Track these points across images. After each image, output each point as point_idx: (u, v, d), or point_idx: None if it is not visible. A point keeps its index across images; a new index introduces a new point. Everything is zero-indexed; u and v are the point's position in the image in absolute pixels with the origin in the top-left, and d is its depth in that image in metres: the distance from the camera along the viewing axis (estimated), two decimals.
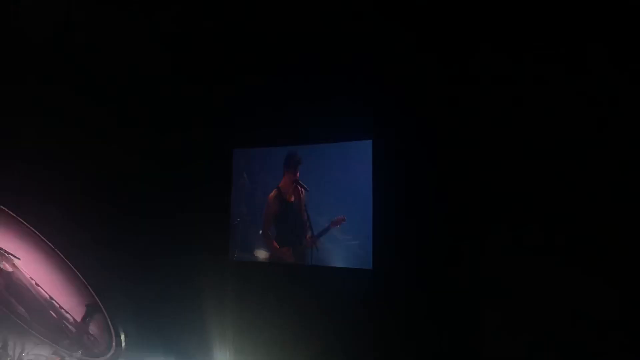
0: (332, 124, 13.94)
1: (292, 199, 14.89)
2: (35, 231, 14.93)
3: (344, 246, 13.89)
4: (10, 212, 14.76)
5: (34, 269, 15.72)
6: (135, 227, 15.99)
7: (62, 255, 15.04)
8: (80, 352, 15.89)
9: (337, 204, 14.10)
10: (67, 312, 15.68)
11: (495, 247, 11.70)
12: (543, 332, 11.11)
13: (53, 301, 15.66)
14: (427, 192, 12.60)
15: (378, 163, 13.39)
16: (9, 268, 15.84)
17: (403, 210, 12.84)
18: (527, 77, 11.35)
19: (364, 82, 13.22)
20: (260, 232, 15.17)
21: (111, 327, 15.20)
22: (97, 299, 15.07)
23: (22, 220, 14.84)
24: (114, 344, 15.23)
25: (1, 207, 14.79)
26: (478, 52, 11.85)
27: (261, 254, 15.10)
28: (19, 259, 15.47)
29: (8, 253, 15.48)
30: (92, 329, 15.66)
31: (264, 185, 15.36)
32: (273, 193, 15.25)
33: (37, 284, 15.66)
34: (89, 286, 15.00)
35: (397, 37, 12.59)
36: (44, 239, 14.98)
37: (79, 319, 15.67)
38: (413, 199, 12.78)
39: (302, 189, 14.69)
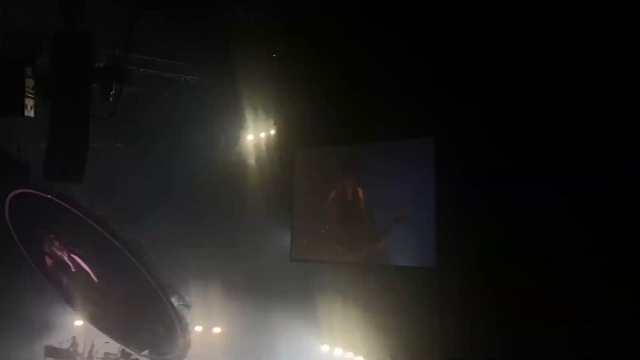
0: (393, 122, 14.01)
1: (352, 198, 15.09)
2: (105, 232, 15.36)
3: (407, 245, 14.02)
4: (79, 213, 15.24)
5: (103, 269, 16.26)
6: (199, 229, 16.69)
7: (130, 256, 15.45)
8: (147, 350, 16.43)
9: (399, 202, 14.23)
10: (136, 311, 16.20)
11: (564, 246, 11.58)
12: (614, 332, 11.00)
13: (123, 300, 16.18)
14: (491, 190, 12.53)
15: (440, 161, 13.41)
16: (76, 268, 16.44)
17: (467, 209, 12.82)
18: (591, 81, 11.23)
19: (425, 79, 13.19)
20: (323, 231, 15.44)
21: (177, 326, 15.60)
22: (164, 299, 15.48)
23: (91, 221, 15.31)
24: (180, 341, 15.64)
25: (71, 207, 15.26)
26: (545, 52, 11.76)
27: (323, 254, 15.39)
28: (90, 258, 16.04)
29: (80, 253, 16.05)
30: (159, 328, 16.12)
31: (325, 185, 15.60)
32: (333, 193, 15.51)
33: (107, 283, 16.23)
34: (157, 286, 15.41)
35: (461, 35, 12.55)
36: (113, 239, 15.40)
37: (146, 319, 16.17)
38: (477, 197, 12.73)
39: (362, 189, 14.89)
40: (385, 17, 13.00)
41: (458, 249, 13.03)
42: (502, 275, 12.29)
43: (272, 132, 16.46)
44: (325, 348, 15.56)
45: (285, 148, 16.18)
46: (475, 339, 12.50)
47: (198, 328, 16.88)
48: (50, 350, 16.40)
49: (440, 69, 12.99)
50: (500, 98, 12.27)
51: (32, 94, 13.45)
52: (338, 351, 15.34)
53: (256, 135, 16.67)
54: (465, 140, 12.98)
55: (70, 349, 16.59)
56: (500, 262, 12.35)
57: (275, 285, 15.85)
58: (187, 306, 15.73)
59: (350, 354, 15.11)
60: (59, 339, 16.60)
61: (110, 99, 14.20)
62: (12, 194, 15.61)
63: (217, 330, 17.20)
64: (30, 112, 13.62)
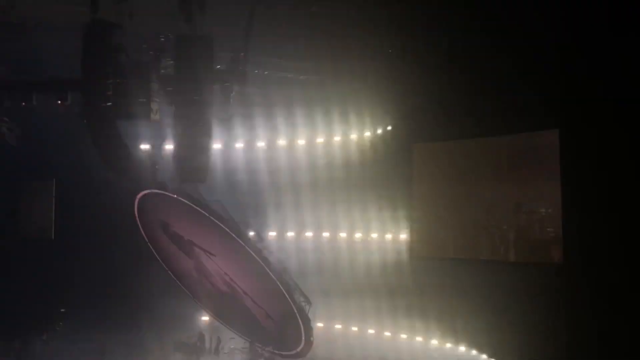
0: (516, 115, 13.76)
1: (474, 194, 14.93)
2: (229, 230, 15.85)
3: (531, 240, 13.77)
4: (204, 212, 15.80)
5: (228, 266, 16.80)
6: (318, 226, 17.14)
7: (253, 253, 15.88)
8: (271, 346, 16.84)
9: (524, 197, 13.99)
10: (261, 308, 16.64)
11: None
12: None
13: (247, 296, 16.65)
14: (618, 185, 12.12)
15: (566, 153, 13.05)
16: (202, 266, 17.08)
17: (593, 203, 12.43)
18: None
19: (549, 69, 12.86)
20: (443, 227, 15.36)
21: (301, 322, 15.90)
22: (286, 295, 15.82)
23: (215, 220, 15.82)
24: (303, 338, 15.94)
25: (196, 206, 15.84)
26: None
27: (443, 250, 15.36)
28: (214, 255, 16.60)
29: (204, 250, 16.66)
30: (282, 324, 16.47)
31: (445, 180, 15.50)
32: (455, 188, 15.36)
33: (231, 279, 16.76)
34: (279, 283, 15.77)
35: (585, 26, 12.19)
36: (237, 237, 15.87)
37: (270, 314, 16.57)
38: (603, 191, 12.34)
39: (484, 183, 14.69)
40: (503, 9, 12.85)
41: (584, 244, 12.68)
42: (630, 272, 11.92)
43: (389, 127, 16.52)
44: (447, 346, 15.53)
45: (402, 143, 16.18)
46: (603, 337, 12.18)
47: (319, 324, 17.19)
48: (179, 345, 17.08)
49: (563, 58, 12.67)
50: (631, 89, 11.86)
51: (157, 97, 14.18)
52: (461, 349, 15.28)
53: (373, 131, 16.81)
54: (592, 133, 12.60)
55: (198, 344, 17.23)
56: (627, 260, 11.97)
57: (394, 282, 16.03)
58: (309, 302, 16.02)
59: (474, 352, 15.02)
60: (186, 334, 17.28)
61: (231, 101, 14.78)
62: (140, 194, 16.39)
63: (338, 326, 17.49)
64: (156, 116, 14.36)
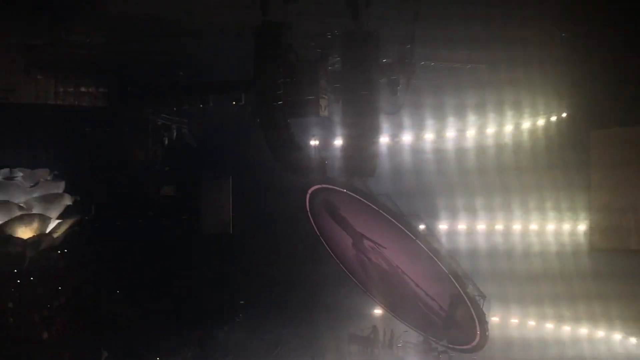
0: None
1: None
2: (399, 224, 16.05)
3: None
4: (374, 205, 16.10)
5: (399, 259, 17.00)
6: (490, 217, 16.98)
7: (423, 246, 15.95)
8: (445, 340, 16.84)
9: None
10: (434, 301, 16.70)
11: None
12: None
13: (419, 289, 16.77)
14: None
15: None
16: (374, 259, 17.40)
17: None
18: None
19: None
20: (629, 217, 14.79)
21: (475, 316, 15.80)
22: (460, 289, 15.77)
23: (385, 213, 16.07)
24: (478, 332, 15.83)
25: (366, 200, 16.16)
26: None
27: (629, 241, 14.78)
28: (384, 247, 16.86)
29: (375, 243, 16.96)
30: (456, 318, 16.44)
31: (629, 169, 14.87)
32: None
33: (403, 272, 16.94)
34: (451, 276, 15.75)
35: None
36: (407, 230, 16.02)
37: (445, 308, 16.58)
38: None
39: None
40: None
41: None
42: None
43: (564, 114, 16.03)
44: (632, 341, 15.00)
45: (579, 130, 15.64)
46: None
47: (494, 319, 16.99)
48: (354, 337, 17.50)
49: None
50: None
51: (325, 94, 14.62)
52: (632, 340, 14.92)
53: (547, 118, 16.38)
54: None
55: (371, 336, 17.53)
56: None
57: (573, 275, 15.70)
58: (483, 296, 15.86)
59: None
60: (360, 327, 17.65)
61: (398, 93, 14.92)
62: (311, 189, 16.95)
63: (514, 321, 17.26)
64: (324, 112, 14.81)
